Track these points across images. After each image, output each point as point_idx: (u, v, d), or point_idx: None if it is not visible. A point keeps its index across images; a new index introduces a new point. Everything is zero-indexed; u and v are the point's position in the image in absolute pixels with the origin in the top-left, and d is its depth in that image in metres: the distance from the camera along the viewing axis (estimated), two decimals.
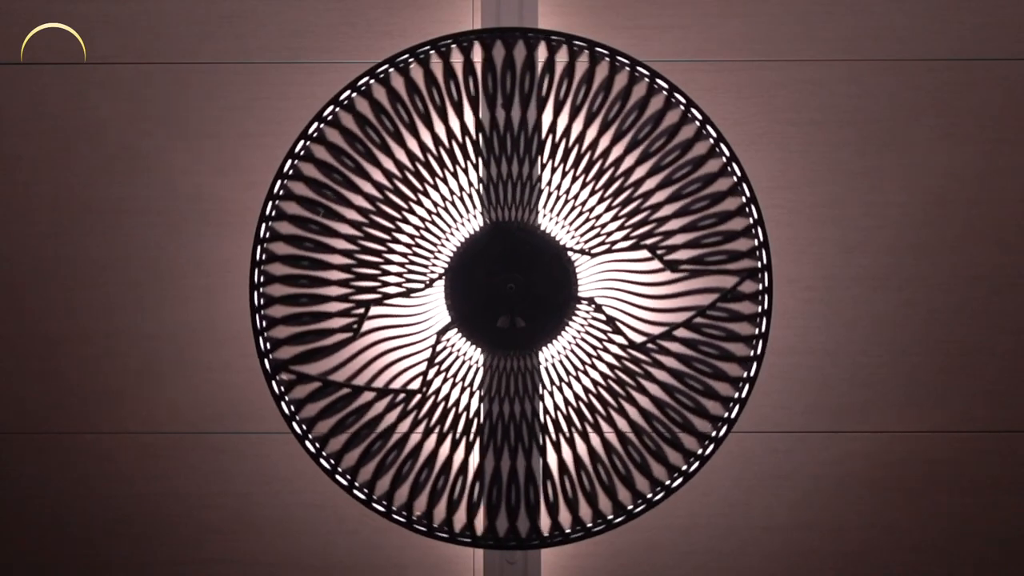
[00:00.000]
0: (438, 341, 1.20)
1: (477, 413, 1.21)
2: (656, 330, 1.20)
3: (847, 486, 1.42)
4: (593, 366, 1.21)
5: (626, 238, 1.19)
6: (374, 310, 1.20)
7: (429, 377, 1.20)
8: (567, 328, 1.19)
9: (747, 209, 1.19)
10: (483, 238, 1.19)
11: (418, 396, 1.20)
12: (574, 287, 1.18)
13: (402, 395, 1.20)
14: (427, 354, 1.20)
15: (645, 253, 1.19)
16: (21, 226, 1.42)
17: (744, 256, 1.19)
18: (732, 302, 1.19)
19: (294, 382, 1.20)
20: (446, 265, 1.19)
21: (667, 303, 1.20)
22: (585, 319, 1.20)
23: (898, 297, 1.41)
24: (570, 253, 1.18)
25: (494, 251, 1.19)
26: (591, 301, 1.19)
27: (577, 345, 1.21)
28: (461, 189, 1.20)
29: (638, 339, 1.19)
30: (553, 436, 1.21)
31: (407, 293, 1.20)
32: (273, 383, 1.20)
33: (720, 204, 1.19)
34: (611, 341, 1.20)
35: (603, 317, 1.19)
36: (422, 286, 1.19)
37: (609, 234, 1.19)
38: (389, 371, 1.21)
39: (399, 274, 1.20)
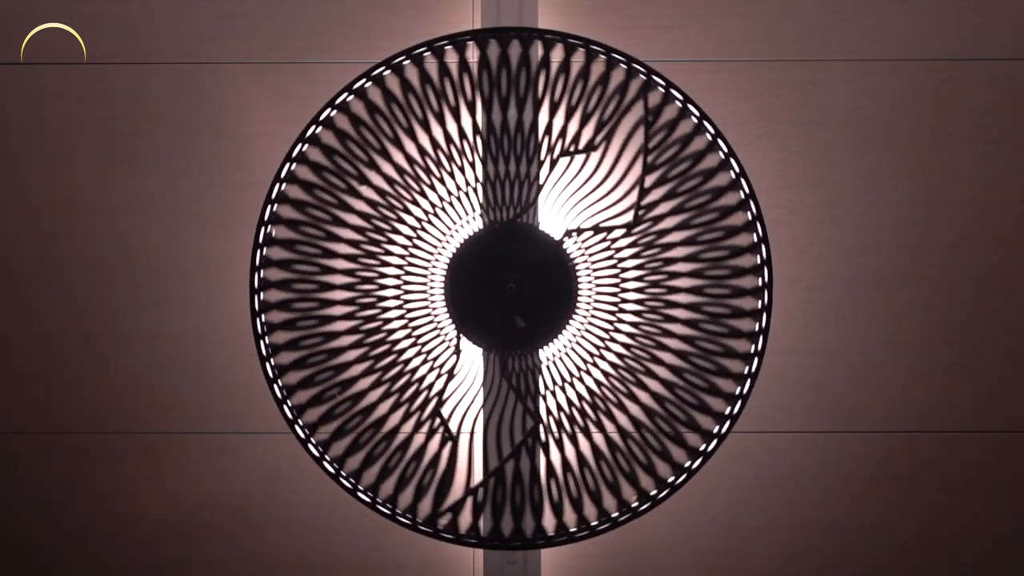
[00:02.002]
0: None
1: (480, 413, 1.21)
2: (633, 197, 1.20)
3: (847, 486, 1.42)
4: (596, 364, 1.21)
5: (540, 166, 1.20)
6: (446, 407, 1.21)
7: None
8: (579, 297, 1.20)
9: (746, 204, 1.20)
10: (470, 255, 1.19)
11: (529, 439, 1.22)
12: (551, 241, 1.19)
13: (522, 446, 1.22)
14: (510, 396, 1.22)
15: (565, 160, 1.20)
16: (21, 226, 1.42)
17: (638, 95, 1.20)
18: (662, 130, 1.19)
19: (454, 523, 1.22)
20: (448, 315, 1.19)
21: (616, 175, 1.20)
22: (581, 250, 1.20)
23: (898, 297, 1.41)
24: (518, 221, 1.20)
25: (486, 258, 1.19)
26: (569, 232, 1.19)
27: (579, 343, 1.21)
28: (434, 206, 1.20)
29: (628, 219, 1.20)
30: (556, 434, 1.21)
31: (452, 374, 1.20)
32: (276, 387, 1.20)
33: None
34: (612, 241, 1.20)
35: (589, 232, 1.20)
36: (451, 350, 1.20)
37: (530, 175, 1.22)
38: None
39: (396, 297, 1.21)
